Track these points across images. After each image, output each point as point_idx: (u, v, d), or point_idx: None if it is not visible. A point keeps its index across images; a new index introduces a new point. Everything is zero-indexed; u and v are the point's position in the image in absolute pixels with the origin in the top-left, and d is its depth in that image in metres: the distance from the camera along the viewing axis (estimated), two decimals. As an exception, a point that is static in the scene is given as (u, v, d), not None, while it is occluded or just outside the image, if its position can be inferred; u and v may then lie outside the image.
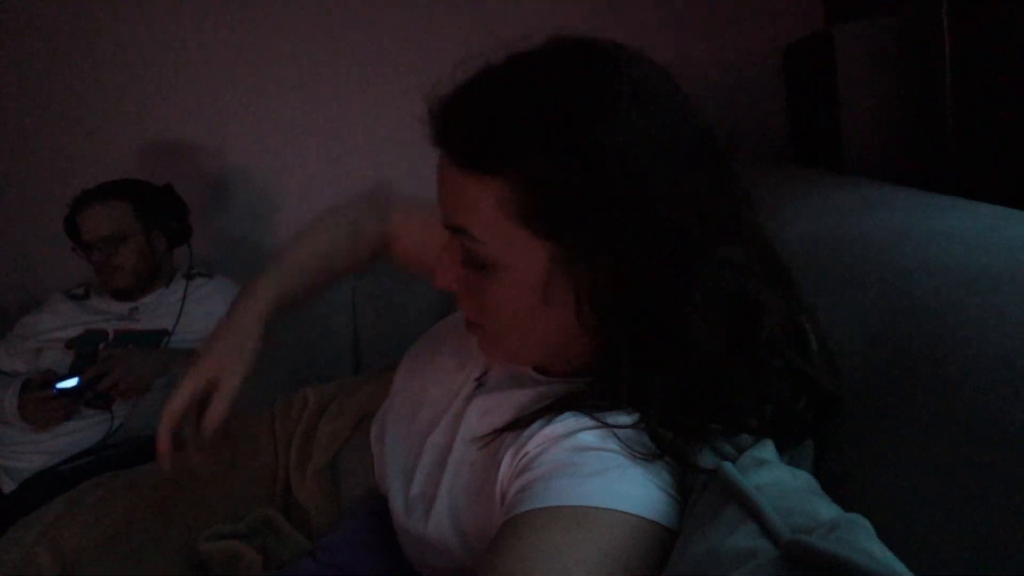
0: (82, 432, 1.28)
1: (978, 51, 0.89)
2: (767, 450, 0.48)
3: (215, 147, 1.69)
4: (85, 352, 1.38)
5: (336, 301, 1.45)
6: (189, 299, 1.46)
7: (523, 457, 0.51)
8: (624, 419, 0.50)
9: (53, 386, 1.26)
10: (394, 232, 0.82)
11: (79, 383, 1.27)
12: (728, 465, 0.44)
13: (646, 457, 0.48)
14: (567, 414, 0.51)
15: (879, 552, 0.33)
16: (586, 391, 0.53)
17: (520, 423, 0.54)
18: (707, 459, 0.48)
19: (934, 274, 0.53)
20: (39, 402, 1.26)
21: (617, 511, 0.44)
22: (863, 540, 0.33)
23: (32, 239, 1.77)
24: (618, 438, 0.49)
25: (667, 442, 0.48)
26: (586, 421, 0.50)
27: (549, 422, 0.52)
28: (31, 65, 1.67)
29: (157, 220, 1.46)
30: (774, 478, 0.44)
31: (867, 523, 0.36)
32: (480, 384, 0.63)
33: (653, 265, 0.47)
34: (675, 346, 0.48)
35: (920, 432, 0.46)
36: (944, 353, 0.46)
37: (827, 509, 0.40)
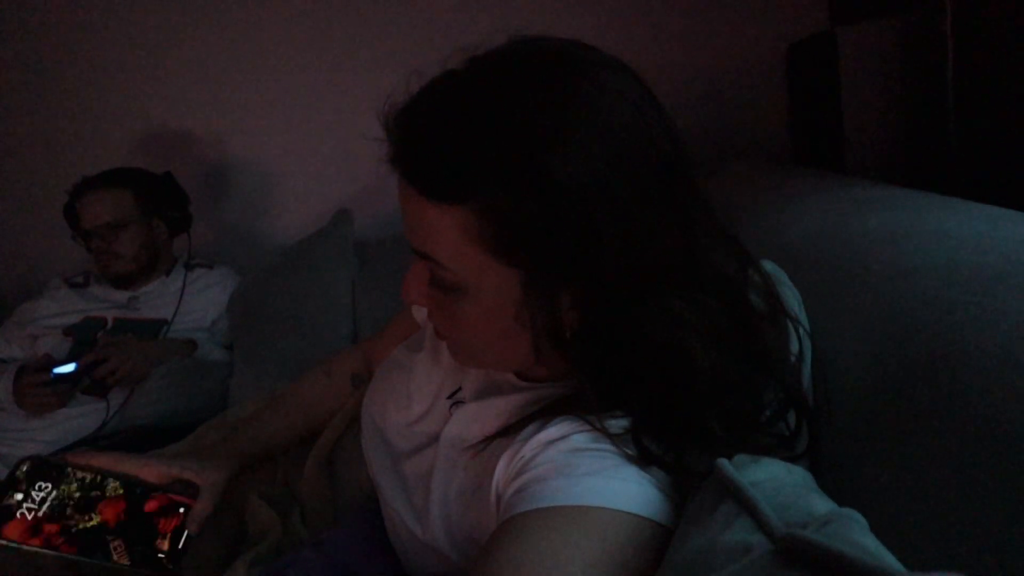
0: (78, 420, 1.28)
1: (980, 54, 0.89)
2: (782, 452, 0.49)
3: (216, 136, 1.69)
4: (83, 339, 1.38)
5: (336, 295, 1.45)
6: (188, 289, 1.47)
7: (519, 461, 0.51)
8: (616, 423, 0.50)
9: (50, 371, 1.26)
10: (368, 344, 0.91)
11: (76, 368, 1.27)
12: (724, 461, 0.44)
13: (639, 460, 0.48)
14: (560, 418, 0.52)
15: (873, 546, 0.33)
16: (576, 395, 0.53)
17: (513, 428, 0.54)
18: (703, 459, 0.48)
19: (934, 273, 0.53)
20: (34, 387, 1.26)
21: (613, 509, 0.45)
22: (857, 534, 0.33)
23: (31, 227, 1.77)
24: (611, 439, 0.49)
25: (652, 454, 0.48)
26: (580, 424, 0.51)
27: (543, 426, 0.52)
28: (32, 53, 1.67)
29: (157, 208, 1.46)
30: (769, 474, 0.44)
31: (861, 518, 0.36)
32: (456, 401, 0.64)
33: (597, 303, 0.47)
34: (632, 373, 0.49)
35: (917, 429, 0.46)
36: (943, 351, 0.47)
37: (822, 504, 0.40)
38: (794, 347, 0.56)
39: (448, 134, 0.46)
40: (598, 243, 0.44)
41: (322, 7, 1.59)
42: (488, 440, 0.55)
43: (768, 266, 0.65)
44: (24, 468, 0.60)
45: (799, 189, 0.91)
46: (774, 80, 1.47)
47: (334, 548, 0.67)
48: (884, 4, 1.13)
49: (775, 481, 0.42)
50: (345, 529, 0.71)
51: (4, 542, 0.55)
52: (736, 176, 1.19)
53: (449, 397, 0.65)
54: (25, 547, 0.55)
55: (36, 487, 0.59)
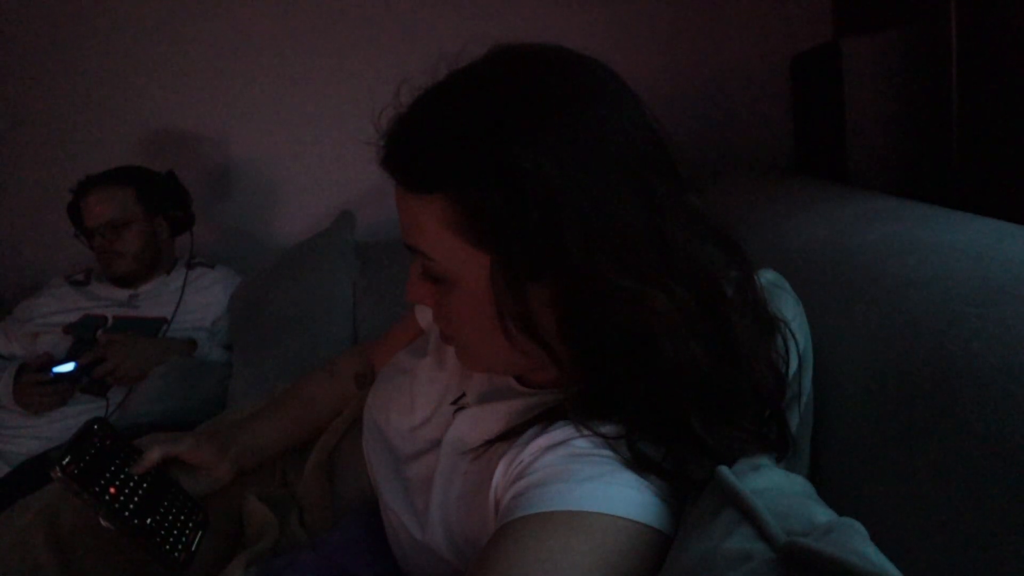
0: (77, 418, 1.28)
1: (984, 66, 0.89)
2: (763, 455, 0.49)
3: (219, 136, 1.70)
4: (83, 337, 1.38)
5: (336, 297, 1.45)
6: (189, 288, 1.47)
7: (518, 465, 0.51)
8: (614, 428, 0.50)
9: (49, 370, 1.26)
10: (371, 346, 0.92)
11: (75, 368, 1.27)
12: (724, 469, 0.44)
13: (638, 466, 0.48)
14: (560, 423, 0.52)
15: (874, 555, 0.33)
16: (576, 401, 0.53)
17: (513, 432, 0.54)
18: (702, 466, 0.48)
19: (936, 286, 0.53)
20: (34, 386, 1.26)
21: (611, 515, 0.44)
22: (858, 543, 0.33)
23: (33, 225, 1.77)
24: (611, 445, 0.49)
25: (649, 460, 0.48)
26: (580, 429, 0.50)
27: (543, 431, 0.52)
28: (36, 52, 1.67)
29: (160, 207, 1.46)
30: (770, 482, 0.44)
31: (861, 527, 0.36)
32: (460, 407, 0.64)
33: (568, 295, 0.48)
34: (616, 367, 0.49)
35: (918, 440, 0.46)
36: (945, 364, 0.47)
37: (822, 513, 0.40)
38: (780, 347, 0.55)
39: (425, 130, 0.49)
40: (562, 231, 0.45)
41: (326, 12, 1.60)
42: (488, 444, 0.56)
43: (769, 274, 0.65)
44: (97, 428, 0.66)
45: (802, 199, 0.92)
46: (778, 90, 1.48)
47: (332, 550, 0.67)
48: (888, 16, 1.14)
49: (776, 490, 0.42)
50: (343, 531, 0.71)
51: (77, 487, 0.59)
52: (739, 185, 1.19)
53: (453, 403, 0.65)
54: (86, 495, 0.59)
55: (100, 447, 0.64)
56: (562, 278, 0.47)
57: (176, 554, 0.62)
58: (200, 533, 0.66)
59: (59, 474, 0.58)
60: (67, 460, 0.59)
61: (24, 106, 1.71)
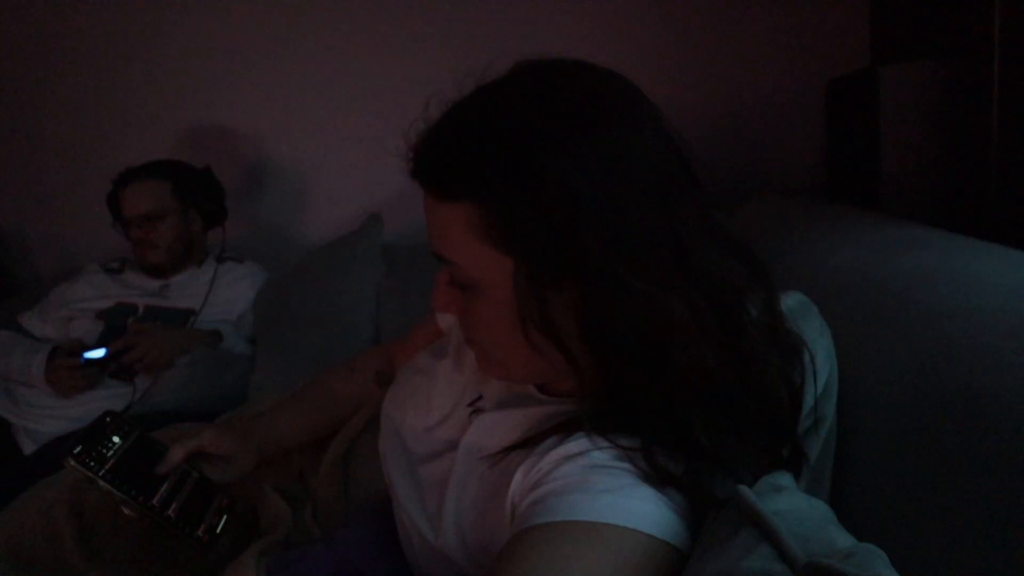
0: (104, 401, 1.31)
1: (1027, 101, 0.88)
2: (784, 477, 0.48)
3: (255, 135, 1.73)
4: (114, 324, 1.41)
5: (360, 298, 1.46)
6: (218, 282, 1.49)
7: (536, 473, 0.51)
8: (632, 441, 0.50)
9: (81, 355, 1.29)
10: (392, 346, 0.94)
11: (106, 354, 1.30)
12: (745, 488, 0.44)
13: (657, 481, 0.48)
14: (578, 434, 0.52)
15: (897, 581, 0.33)
16: (593, 412, 0.53)
17: (532, 441, 0.54)
18: (723, 485, 0.48)
19: (968, 318, 0.53)
20: (65, 369, 1.29)
21: (627, 528, 0.44)
22: (880, 567, 0.33)
23: (74, 213, 1.82)
24: (630, 458, 0.49)
25: (668, 473, 0.48)
26: (600, 441, 0.51)
27: (562, 441, 0.52)
28: (81, 47, 1.73)
29: (194, 200, 1.49)
30: (792, 505, 0.43)
31: (883, 553, 0.36)
32: (476, 409, 0.64)
33: (588, 302, 0.48)
34: (631, 375, 0.49)
35: (945, 474, 0.45)
36: (976, 396, 0.46)
37: (843, 538, 0.39)
38: (808, 365, 0.55)
39: (453, 140, 0.50)
40: (583, 236, 0.46)
41: (364, 14, 1.62)
42: (506, 451, 0.56)
43: (797, 296, 0.65)
44: (109, 421, 0.67)
45: (833, 225, 0.91)
46: (812, 114, 1.47)
47: (345, 546, 0.68)
48: (928, 45, 1.13)
49: (797, 512, 0.42)
50: (356, 528, 0.71)
51: (90, 475, 0.60)
52: (770, 208, 1.18)
53: (469, 405, 0.65)
54: (101, 482, 0.60)
55: (114, 438, 0.65)
56: (583, 283, 0.48)
57: (200, 535, 0.63)
58: (224, 516, 0.67)
59: (72, 463, 0.58)
60: (78, 449, 0.59)
61: (71, 100, 1.77)
